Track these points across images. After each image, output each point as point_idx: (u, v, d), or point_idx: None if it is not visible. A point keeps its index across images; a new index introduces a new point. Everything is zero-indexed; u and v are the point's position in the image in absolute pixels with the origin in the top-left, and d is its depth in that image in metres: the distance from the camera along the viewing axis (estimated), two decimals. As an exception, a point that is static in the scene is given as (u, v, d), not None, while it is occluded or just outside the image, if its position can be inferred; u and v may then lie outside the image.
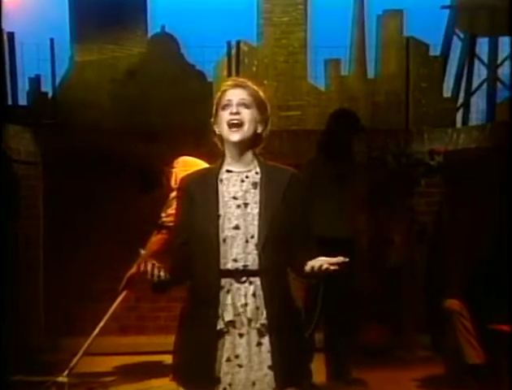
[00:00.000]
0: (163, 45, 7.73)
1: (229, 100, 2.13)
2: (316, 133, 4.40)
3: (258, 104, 2.15)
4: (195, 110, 6.70)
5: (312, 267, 2.05)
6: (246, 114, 2.12)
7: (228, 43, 6.81)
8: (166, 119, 6.56)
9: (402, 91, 6.90)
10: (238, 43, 6.93)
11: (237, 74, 6.38)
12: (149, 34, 8.11)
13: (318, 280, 2.08)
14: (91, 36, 7.82)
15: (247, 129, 2.12)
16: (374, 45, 8.36)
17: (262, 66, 7.68)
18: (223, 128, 2.13)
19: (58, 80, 7.08)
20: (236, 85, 2.15)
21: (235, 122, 2.11)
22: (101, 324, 3.79)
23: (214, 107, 2.17)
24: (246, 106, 2.13)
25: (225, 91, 2.15)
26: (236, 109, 2.11)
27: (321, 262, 2.04)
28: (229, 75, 6.45)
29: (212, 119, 2.18)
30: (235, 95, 2.13)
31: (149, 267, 2.05)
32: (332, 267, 2.02)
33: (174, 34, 7.81)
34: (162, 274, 2.06)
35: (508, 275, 3.75)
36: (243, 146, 2.14)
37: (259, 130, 2.15)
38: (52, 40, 6.71)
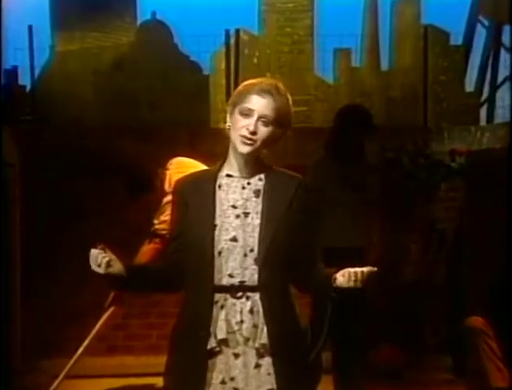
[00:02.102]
0: (154, 33, 7.76)
1: (250, 110, 2.11)
2: (324, 131, 4.43)
3: (280, 119, 2.13)
4: (190, 105, 6.75)
5: (345, 280, 2.04)
6: (263, 133, 2.11)
7: (227, 31, 6.84)
8: (157, 115, 6.59)
9: (420, 85, 6.93)
10: (237, 31, 6.97)
11: (237, 66, 6.42)
12: (139, 21, 8.14)
13: (342, 297, 2.10)
14: (74, 23, 7.86)
15: (259, 145, 2.12)
16: (388, 34, 8.38)
17: (264, 57, 7.71)
18: (234, 134, 2.13)
19: (37, 71, 7.12)
20: (263, 92, 2.12)
21: (247, 141, 2.11)
22: (85, 343, 3.81)
23: (233, 99, 2.15)
24: (266, 124, 2.11)
25: (249, 94, 2.12)
26: (253, 127, 2.10)
27: (350, 271, 2.05)
28: (227, 67, 6.49)
29: (227, 109, 2.18)
30: (258, 106, 2.11)
31: (95, 253, 2.06)
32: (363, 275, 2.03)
33: (166, 21, 7.84)
34: (104, 264, 2.05)
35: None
36: (250, 156, 2.15)
37: (273, 142, 2.15)
38: (30, 27, 6.75)
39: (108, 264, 2.07)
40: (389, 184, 4.71)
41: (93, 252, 2.08)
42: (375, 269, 2.06)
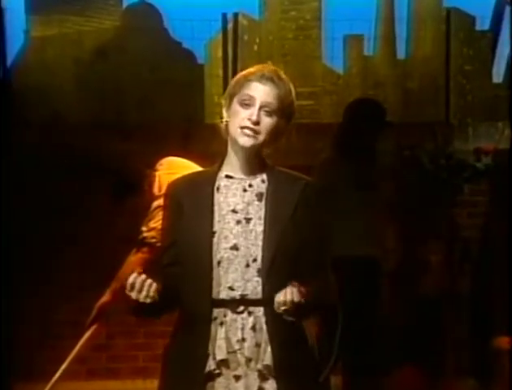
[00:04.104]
0: (142, 17, 7.77)
1: (251, 97, 2.13)
2: (332, 127, 4.46)
3: (284, 109, 2.16)
4: (182, 98, 6.76)
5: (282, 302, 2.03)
6: (266, 124, 2.13)
7: (224, 16, 6.87)
8: (145, 109, 6.60)
9: (441, 75, 6.96)
10: (236, 16, 6.99)
11: (235, 54, 6.45)
12: (125, 3, 8.16)
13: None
14: (51, 4, 7.88)
15: (262, 139, 2.15)
16: (405, 18, 8.40)
17: (266, 44, 7.72)
18: (234, 127, 2.15)
19: (10, 60, 7.13)
20: (264, 78, 2.14)
21: (250, 132, 2.13)
22: (63, 366, 3.82)
23: (230, 90, 2.18)
24: (269, 114, 2.13)
25: (249, 81, 2.14)
26: (256, 116, 2.11)
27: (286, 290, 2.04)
28: (225, 55, 6.52)
29: (223, 102, 2.20)
30: (260, 93, 2.13)
31: (138, 280, 2.02)
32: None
33: (155, 4, 7.86)
34: (152, 293, 2.03)
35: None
36: (253, 151, 2.17)
37: (277, 136, 2.18)
38: (2, 10, 6.76)
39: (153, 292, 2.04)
40: (406, 186, 4.74)
41: (137, 279, 2.02)
42: (306, 291, 2.03)
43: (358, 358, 4.00)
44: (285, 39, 7.79)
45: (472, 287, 5.11)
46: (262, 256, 2.11)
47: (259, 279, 2.11)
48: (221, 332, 2.12)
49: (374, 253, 4.06)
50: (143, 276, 2.03)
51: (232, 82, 2.20)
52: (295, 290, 2.03)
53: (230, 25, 6.90)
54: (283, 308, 2.04)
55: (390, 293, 4.81)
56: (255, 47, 7.66)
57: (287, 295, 2.02)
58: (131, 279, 2.02)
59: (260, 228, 2.13)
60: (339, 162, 4.09)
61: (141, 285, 2.02)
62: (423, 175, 5.02)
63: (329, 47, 8.02)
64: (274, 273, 2.11)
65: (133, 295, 2.03)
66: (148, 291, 2.02)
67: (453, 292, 5.10)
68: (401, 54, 8.31)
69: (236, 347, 2.12)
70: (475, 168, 5.09)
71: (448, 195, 5.08)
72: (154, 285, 2.04)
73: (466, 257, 5.12)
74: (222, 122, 2.20)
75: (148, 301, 2.03)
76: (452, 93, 6.85)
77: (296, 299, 2.02)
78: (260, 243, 2.12)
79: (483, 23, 8.54)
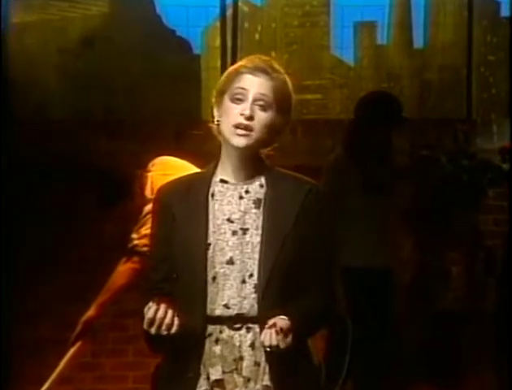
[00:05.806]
0: (132, 3, 7.81)
1: (244, 90, 2.12)
2: (342, 124, 4.48)
3: (281, 102, 2.15)
4: (177, 92, 6.78)
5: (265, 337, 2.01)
6: (261, 119, 2.12)
7: (222, 1, 6.88)
8: (137, 104, 6.62)
9: (462, 66, 6.97)
10: (236, 1, 7.00)
11: (234, 44, 6.46)
12: (114, -13, 8.19)
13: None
14: (33, -11, 7.91)
15: (256, 137, 2.13)
16: (423, 3, 8.42)
17: (269, 32, 7.75)
18: (226, 125, 2.14)
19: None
20: (257, 69, 2.14)
21: (243, 131, 2.11)
22: (45, 386, 3.83)
23: (220, 86, 2.18)
24: (264, 108, 2.12)
25: (240, 74, 2.14)
26: (250, 111, 2.10)
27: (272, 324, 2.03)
28: (223, 44, 6.53)
29: (214, 100, 2.20)
30: (253, 85, 2.12)
31: (160, 313, 1.98)
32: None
33: (147, -12, 7.89)
34: (176, 324, 2.00)
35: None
36: (248, 151, 2.16)
37: (274, 135, 2.17)
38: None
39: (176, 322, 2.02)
40: (423, 189, 4.74)
41: (159, 309, 1.99)
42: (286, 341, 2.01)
43: (371, 378, 4.01)
44: (290, 27, 7.81)
45: (497, 301, 5.11)
46: (259, 271, 2.10)
47: (256, 296, 2.11)
48: (216, 350, 2.12)
49: (388, 264, 4.07)
50: (163, 306, 1.99)
51: (222, 77, 2.19)
52: (274, 335, 1.99)
53: (229, 12, 6.91)
54: (268, 350, 2.03)
55: (406, 307, 4.82)
56: (257, 36, 7.68)
57: (267, 340, 2.00)
58: (150, 314, 1.98)
59: (257, 239, 2.12)
60: (349, 162, 4.11)
61: (162, 316, 1.99)
62: (442, 177, 5.03)
63: (339, 35, 8.03)
64: (271, 289, 2.10)
65: (153, 331, 2.00)
66: (171, 323, 1.99)
67: (475, 306, 5.10)
68: (418, 42, 8.32)
69: (233, 366, 2.12)
70: (501, 169, 5.09)
71: (470, 199, 5.08)
72: (176, 316, 2.00)
73: (490, 268, 5.12)
74: (214, 122, 2.19)
75: (172, 331, 2.00)
76: (474, 86, 6.84)
77: (281, 345, 2.00)
78: (257, 256, 2.11)
79: (508, 9, 8.55)
